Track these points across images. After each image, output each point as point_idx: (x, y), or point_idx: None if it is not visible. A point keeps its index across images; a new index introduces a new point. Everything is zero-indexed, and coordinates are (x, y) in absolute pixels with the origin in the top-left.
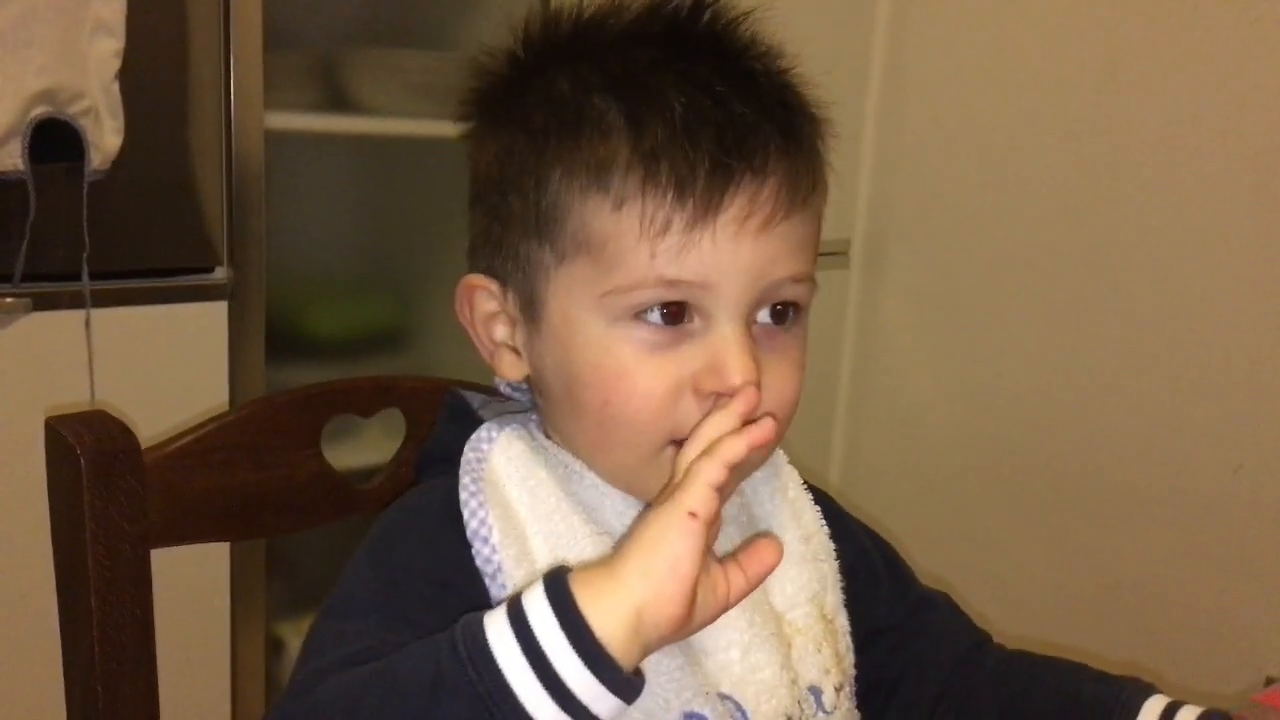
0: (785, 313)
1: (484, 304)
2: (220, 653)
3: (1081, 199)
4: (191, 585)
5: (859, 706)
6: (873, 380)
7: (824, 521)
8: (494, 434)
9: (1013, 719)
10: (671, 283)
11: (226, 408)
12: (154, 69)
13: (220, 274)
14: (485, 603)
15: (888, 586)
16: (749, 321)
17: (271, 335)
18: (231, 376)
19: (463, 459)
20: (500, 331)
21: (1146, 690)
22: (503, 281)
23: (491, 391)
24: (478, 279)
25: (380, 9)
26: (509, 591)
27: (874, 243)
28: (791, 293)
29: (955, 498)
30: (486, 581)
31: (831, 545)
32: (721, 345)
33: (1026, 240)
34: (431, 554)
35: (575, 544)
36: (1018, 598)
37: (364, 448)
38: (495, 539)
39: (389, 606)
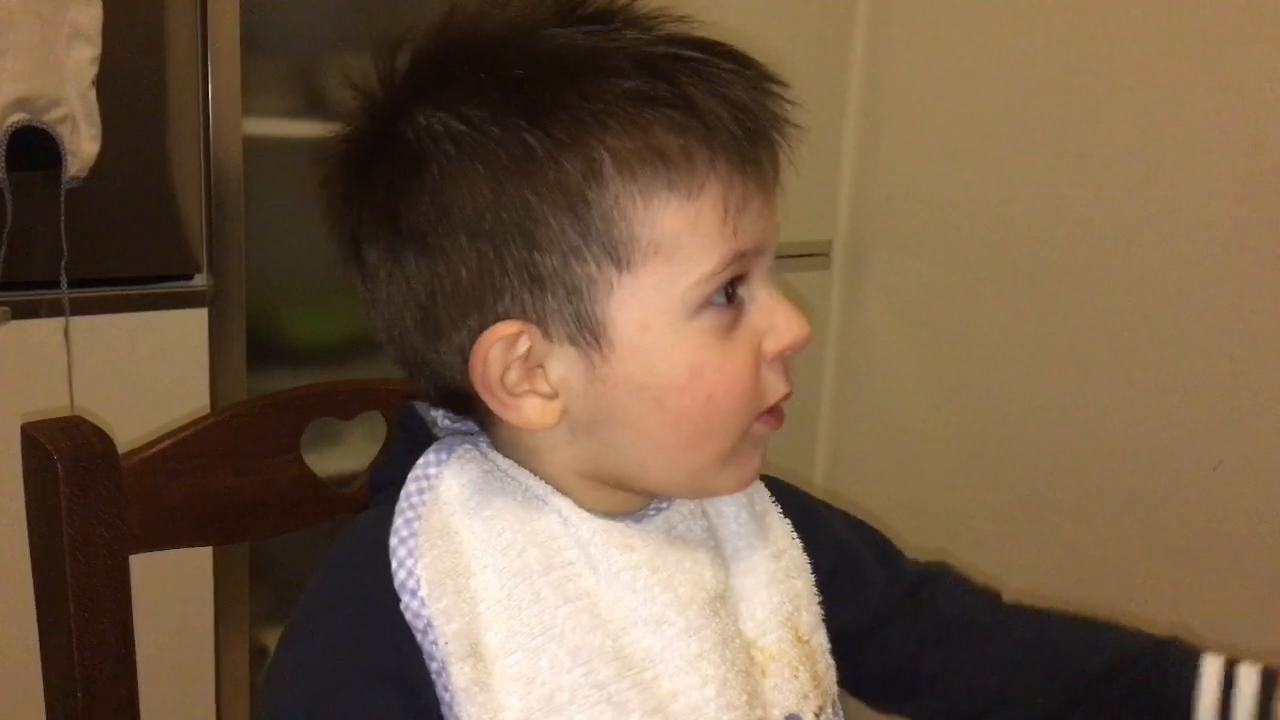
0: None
1: (500, 357)
2: (204, 660)
3: (1063, 198)
4: (174, 592)
5: (882, 699)
6: (856, 380)
7: (795, 535)
8: (443, 457)
9: (1080, 682)
10: (740, 255)
11: None
12: (131, 75)
13: (200, 281)
14: (420, 677)
15: (879, 573)
16: None
17: (252, 342)
18: (212, 384)
19: (403, 491)
20: (515, 379)
21: (1194, 646)
22: (531, 320)
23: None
24: (502, 329)
25: (360, 14)
26: (440, 648)
27: (855, 244)
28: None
29: (940, 496)
30: (418, 637)
31: (805, 559)
32: (771, 306)
33: (1008, 240)
34: (361, 641)
35: (530, 582)
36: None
37: (345, 451)
38: (423, 592)
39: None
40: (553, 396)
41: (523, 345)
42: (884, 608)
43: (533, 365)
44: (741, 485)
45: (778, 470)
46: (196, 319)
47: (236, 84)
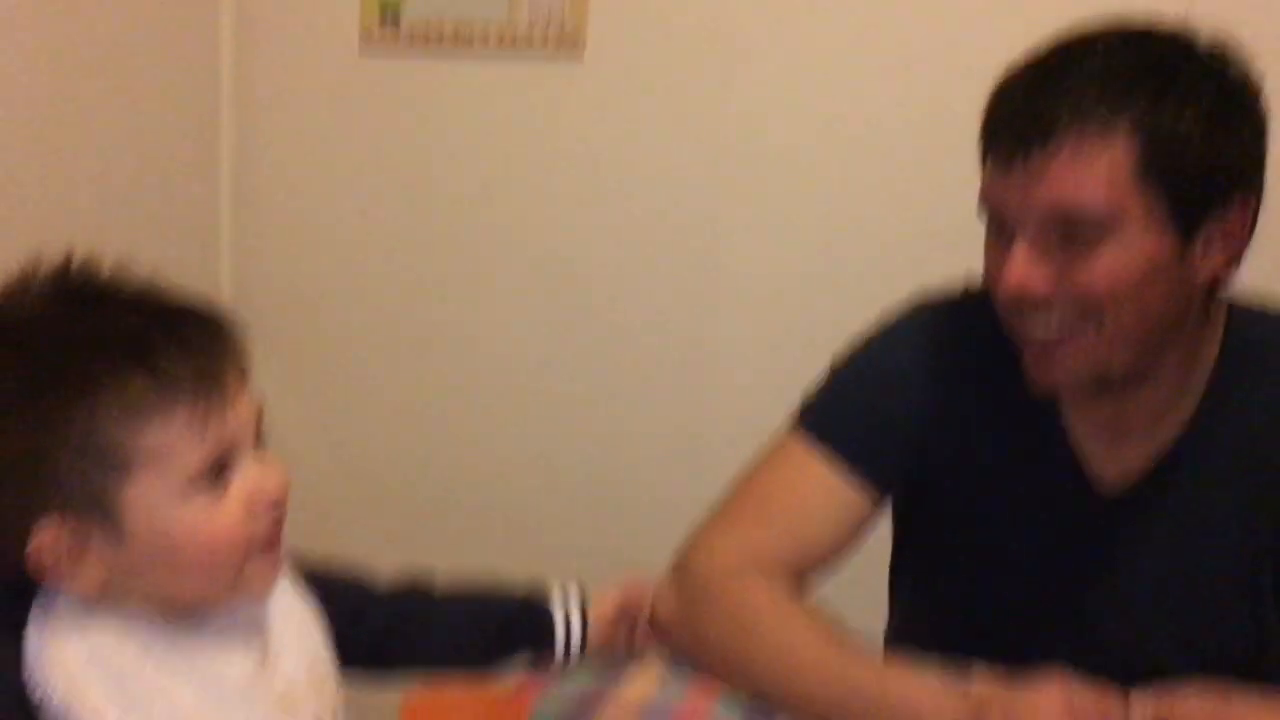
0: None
1: (50, 550)
2: None
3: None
4: None
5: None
6: None
7: (307, 601)
8: (50, 597)
9: (489, 638)
10: (215, 450)
11: None
12: None
13: None
14: None
15: (360, 599)
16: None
17: None
18: None
19: (27, 632)
20: (66, 561)
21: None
22: (61, 518)
23: None
24: (44, 534)
25: None
26: None
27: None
28: (260, 414)
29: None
30: None
31: (320, 618)
32: (255, 470)
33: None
34: None
35: (132, 674)
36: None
37: None
38: (58, 697)
39: None
40: (96, 566)
41: (65, 538)
42: (368, 624)
43: (77, 549)
44: (266, 588)
45: None
46: None
47: None
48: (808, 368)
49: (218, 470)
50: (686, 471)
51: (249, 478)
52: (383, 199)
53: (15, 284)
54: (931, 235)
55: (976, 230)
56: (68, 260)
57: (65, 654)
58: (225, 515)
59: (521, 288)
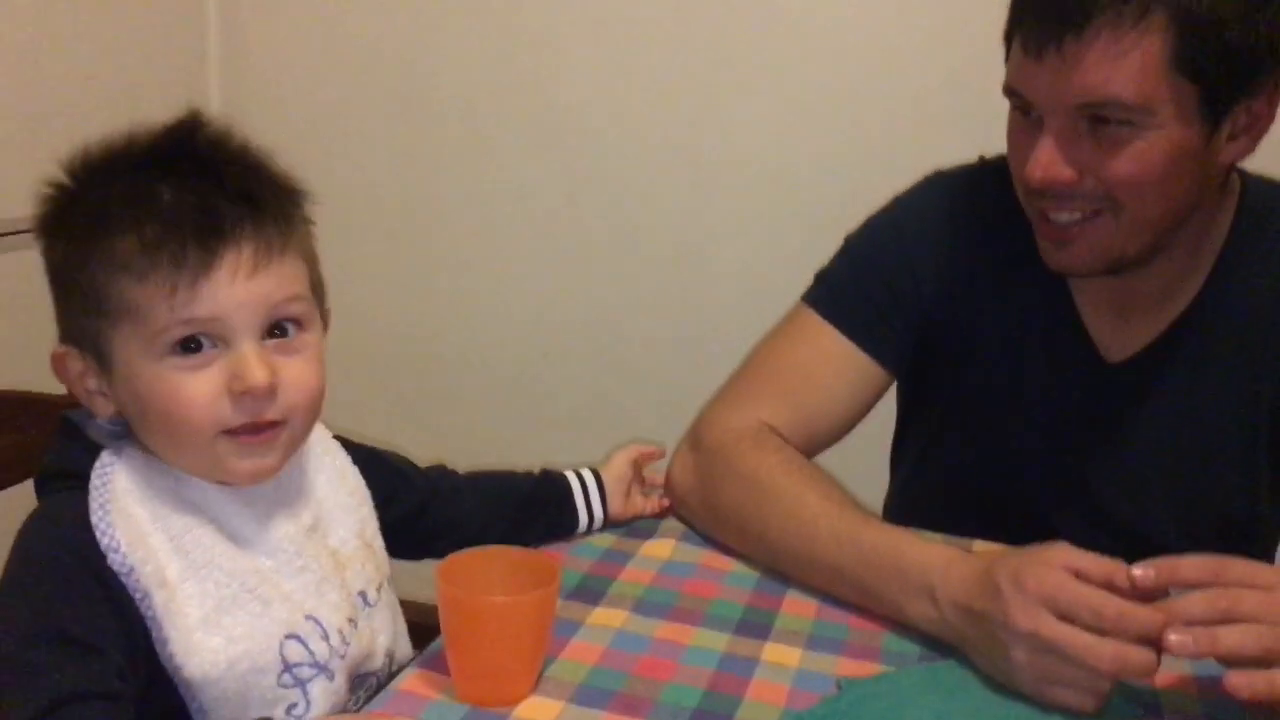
0: (287, 327)
1: (73, 365)
2: None
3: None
4: None
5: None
6: None
7: (360, 476)
8: (115, 457)
9: (511, 512)
10: (187, 321)
11: None
12: None
13: None
14: (107, 625)
15: (412, 481)
16: (262, 337)
17: None
18: None
19: (91, 485)
20: (91, 383)
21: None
22: (79, 346)
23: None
24: (59, 349)
25: None
26: (140, 582)
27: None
28: (289, 310)
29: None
30: (123, 578)
31: (367, 490)
32: (240, 358)
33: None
34: (62, 603)
35: (192, 533)
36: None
37: None
38: (124, 548)
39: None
40: (105, 403)
41: (77, 363)
42: (404, 502)
43: (90, 380)
44: (251, 478)
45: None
46: None
47: None
48: (806, 244)
49: (193, 344)
50: (687, 345)
51: (233, 362)
52: (376, 61)
53: (135, 130)
54: (949, 104)
55: (988, 107)
56: (192, 119)
57: (130, 509)
58: (192, 389)
59: (523, 157)
